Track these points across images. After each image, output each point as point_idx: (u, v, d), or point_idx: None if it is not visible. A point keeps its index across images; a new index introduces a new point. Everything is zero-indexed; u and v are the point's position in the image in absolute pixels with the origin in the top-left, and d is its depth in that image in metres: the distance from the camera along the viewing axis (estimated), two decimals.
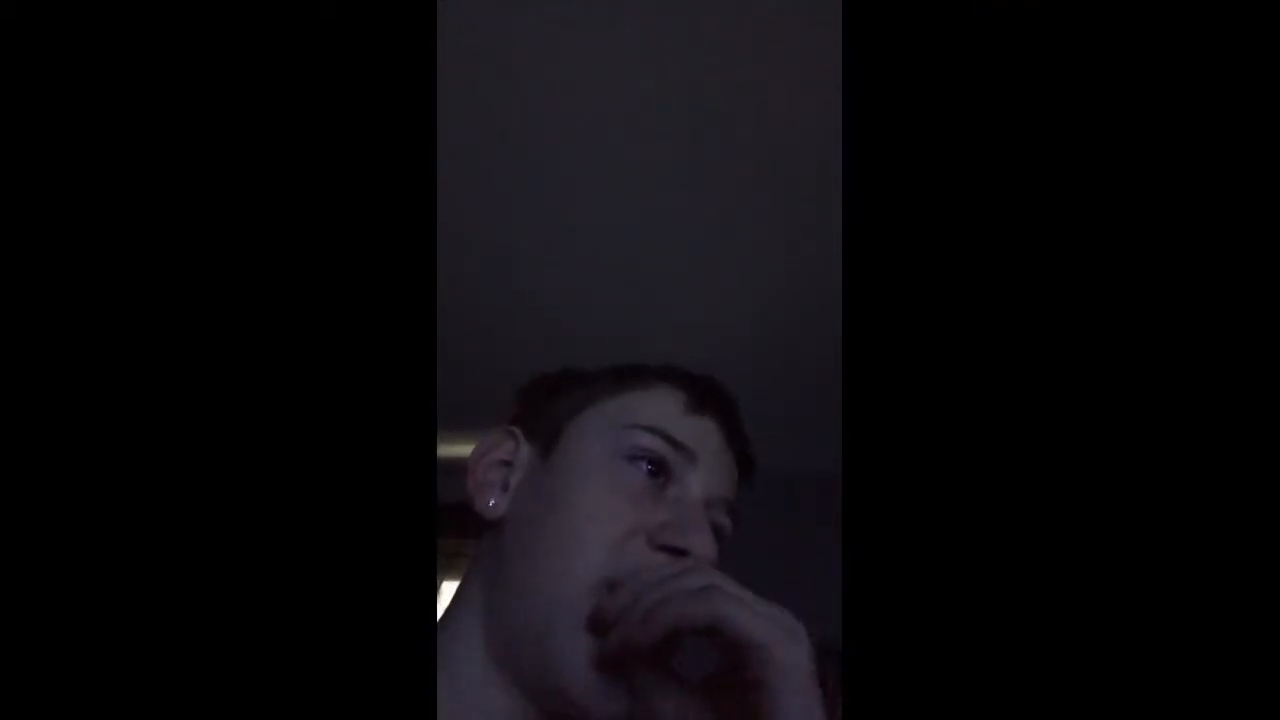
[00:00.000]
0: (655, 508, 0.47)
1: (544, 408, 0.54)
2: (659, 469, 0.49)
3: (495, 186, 1.45)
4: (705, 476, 0.51)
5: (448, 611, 0.50)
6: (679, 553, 0.45)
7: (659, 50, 1.16)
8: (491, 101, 1.26)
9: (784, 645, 0.35)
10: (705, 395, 0.53)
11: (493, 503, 0.50)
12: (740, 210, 1.47)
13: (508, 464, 0.52)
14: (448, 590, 2.39)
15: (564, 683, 0.42)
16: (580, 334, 1.91)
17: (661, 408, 0.51)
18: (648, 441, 0.49)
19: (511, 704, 0.45)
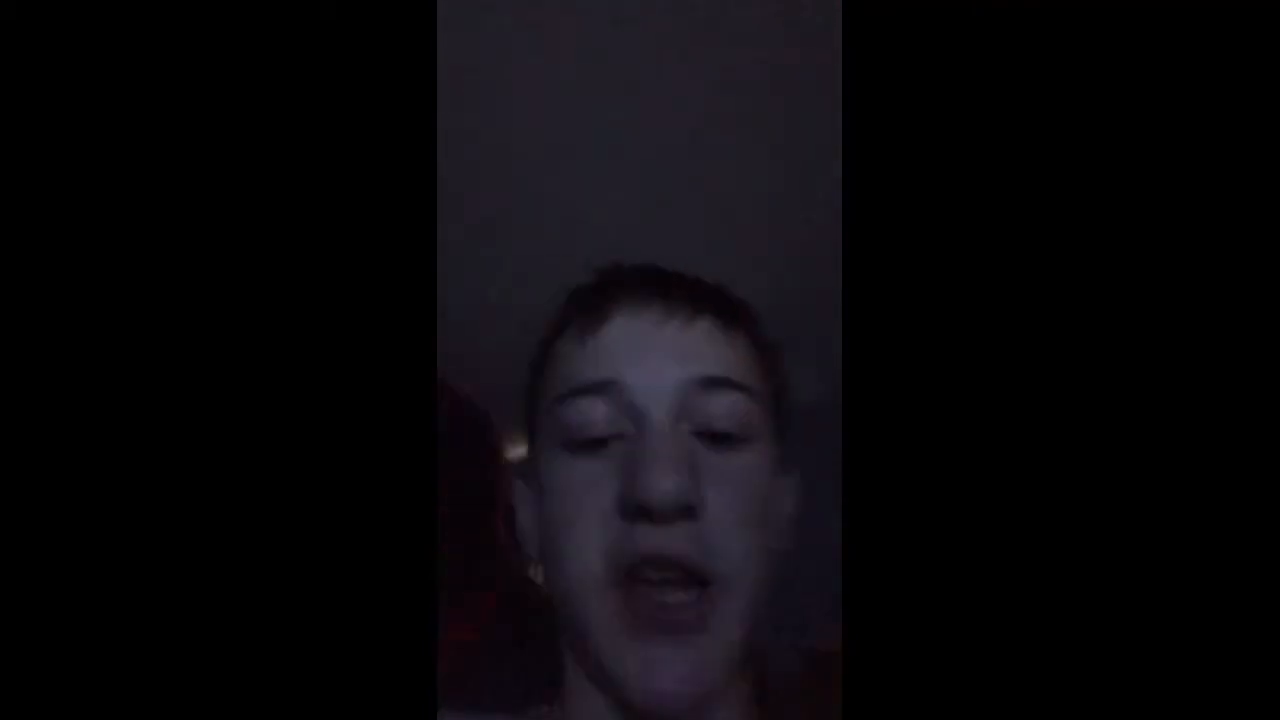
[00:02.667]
0: (616, 475, 0.41)
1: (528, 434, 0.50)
2: (593, 430, 0.42)
3: (494, 154, 1.39)
4: (641, 387, 0.42)
5: None
6: (645, 514, 0.39)
7: (658, 28, 1.13)
8: (490, 74, 1.22)
9: None
10: (591, 310, 0.44)
11: (522, 552, 0.48)
12: (741, 187, 1.44)
13: (512, 509, 0.49)
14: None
15: (614, 674, 0.39)
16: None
17: (565, 362, 0.44)
18: (564, 414, 0.42)
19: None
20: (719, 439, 0.42)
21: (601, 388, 0.42)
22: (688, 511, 0.39)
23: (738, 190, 1.40)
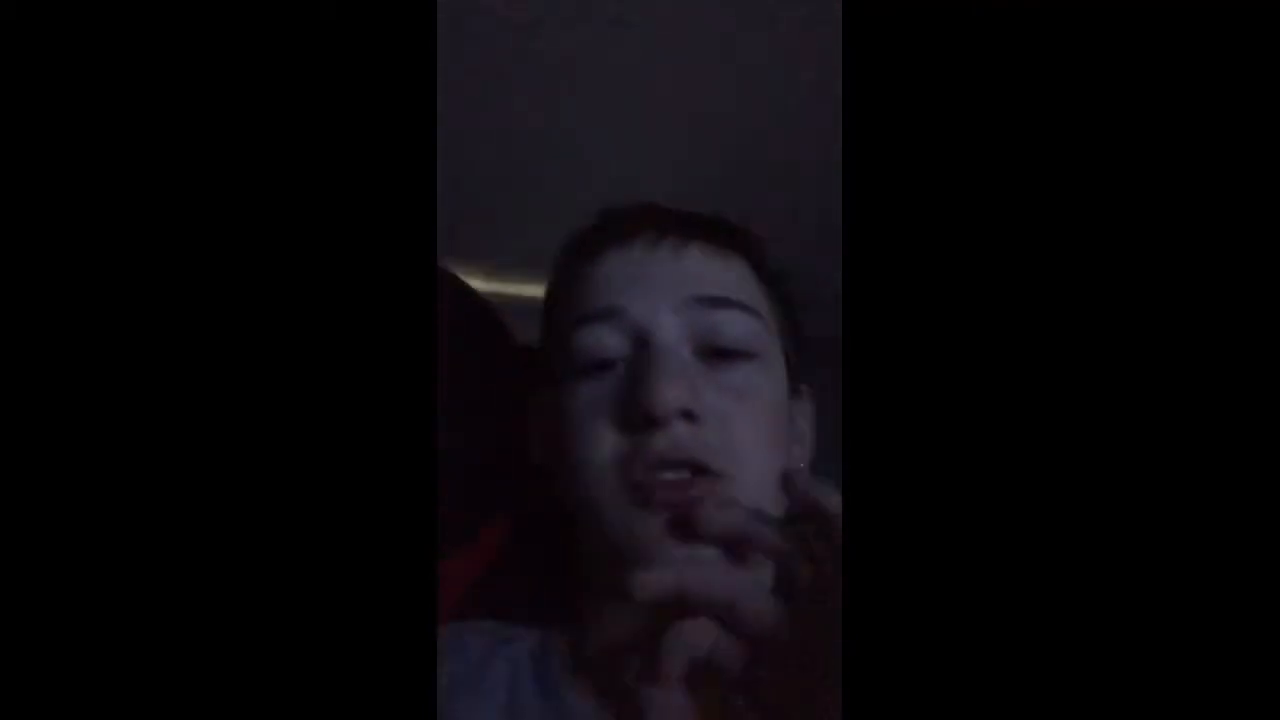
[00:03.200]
0: (620, 393, 0.42)
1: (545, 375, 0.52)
2: (598, 353, 0.44)
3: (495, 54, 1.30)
4: (640, 311, 0.43)
5: None
6: (649, 422, 0.40)
7: None
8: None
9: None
10: (585, 249, 0.47)
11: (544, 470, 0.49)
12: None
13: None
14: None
15: None
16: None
17: (567, 299, 0.46)
18: (571, 343, 0.44)
19: None
20: (720, 356, 0.44)
21: (604, 315, 0.44)
22: (688, 416, 0.41)
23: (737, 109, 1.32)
